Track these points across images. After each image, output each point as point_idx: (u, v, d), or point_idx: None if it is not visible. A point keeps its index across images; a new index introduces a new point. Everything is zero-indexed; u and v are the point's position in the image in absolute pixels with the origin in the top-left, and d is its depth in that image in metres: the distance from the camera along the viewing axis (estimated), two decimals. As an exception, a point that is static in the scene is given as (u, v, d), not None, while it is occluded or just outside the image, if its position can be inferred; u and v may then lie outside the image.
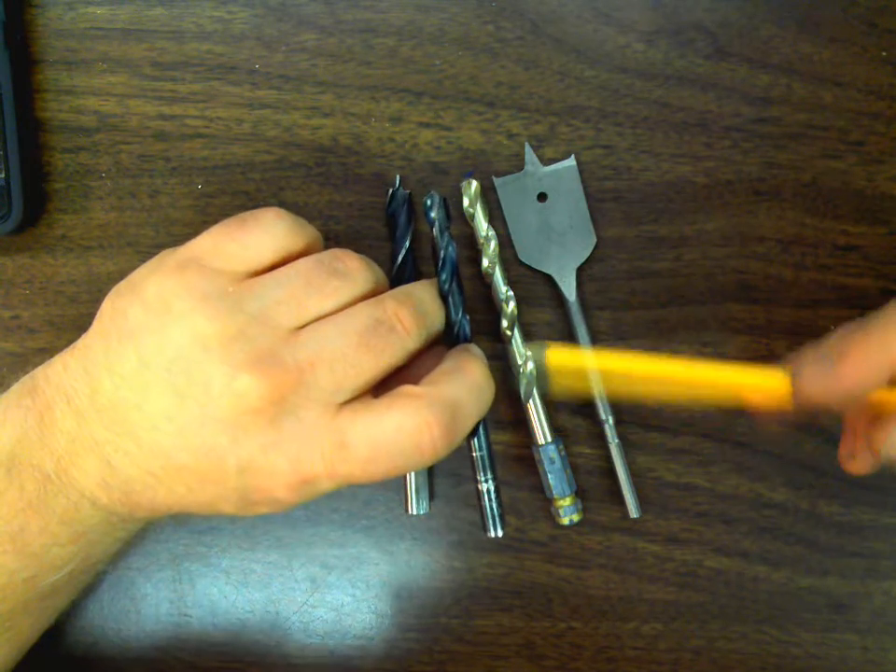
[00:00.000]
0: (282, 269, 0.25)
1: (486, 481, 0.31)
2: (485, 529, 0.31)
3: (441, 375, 0.26)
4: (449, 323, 0.29)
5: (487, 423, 0.31)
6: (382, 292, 0.27)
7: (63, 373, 0.25)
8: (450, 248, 0.29)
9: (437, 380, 0.25)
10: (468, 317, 0.29)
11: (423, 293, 0.27)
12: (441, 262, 0.29)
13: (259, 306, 0.24)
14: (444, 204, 0.30)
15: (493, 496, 0.31)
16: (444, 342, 0.29)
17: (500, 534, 0.31)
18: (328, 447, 0.23)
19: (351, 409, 0.24)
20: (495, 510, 0.31)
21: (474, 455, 0.31)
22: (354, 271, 0.26)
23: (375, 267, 0.27)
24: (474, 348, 0.28)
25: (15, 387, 0.26)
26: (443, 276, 0.29)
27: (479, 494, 0.31)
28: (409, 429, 0.23)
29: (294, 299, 0.24)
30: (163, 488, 0.24)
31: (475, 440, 0.31)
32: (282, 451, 0.23)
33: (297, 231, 0.26)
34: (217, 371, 0.23)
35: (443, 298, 0.29)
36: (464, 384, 0.25)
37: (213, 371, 0.23)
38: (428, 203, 0.29)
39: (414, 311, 0.25)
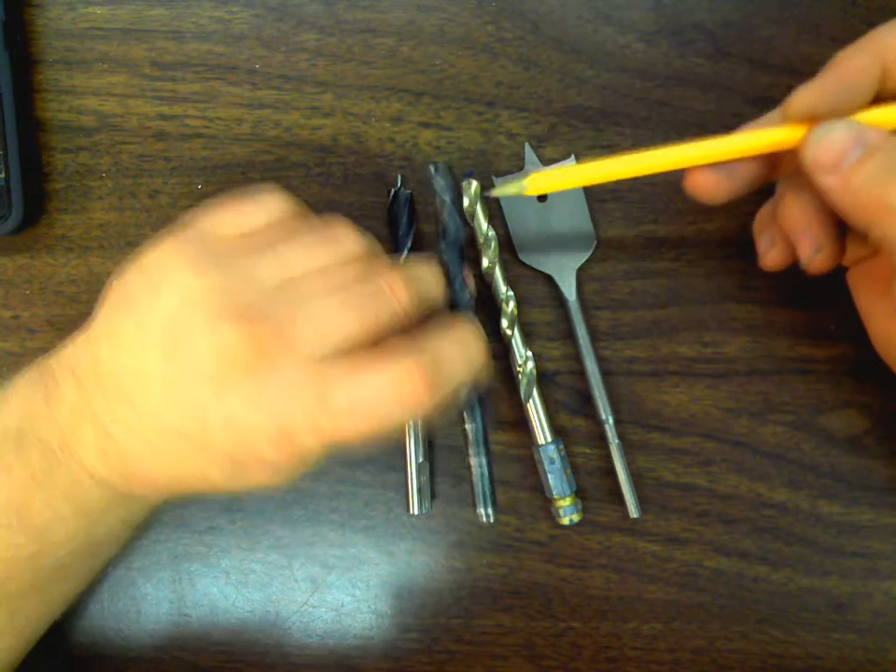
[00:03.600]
0: (273, 232, 0.26)
1: (480, 465, 0.30)
2: (475, 506, 0.31)
3: (426, 331, 0.26)
4: (451, 294, 0.28)
5: (486, 404, 0.31)
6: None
7: (71, 350, 0.26)
8: (452, 216, 0.29)
9: (420, 335, 0.25)
10: (468, 288, 0.29)
11: (419, 263, 0.27)
12: (441, 230, 0.29)
13: (244, 263, 0.24)
14: (449, 172, 0.29)
15: (485, 478, 0.30)
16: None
17: (490, 513, 0.30)
18: (308, 400, 0.23)
19: (333, 363, 0.24)
20: (486, 491, 0.30)
21: (470, 437, 0.30)
22: (342, 234, 0.26)
23: (371, 238, 0.27)
24: (469, 315, 0.28)
25: (27, 368, 0.27)
26: (442, 244, 0.29)
27: (471, 475, 0.31)
28: (389, 378, 0.23)
29: (279, 257, 0.25)
30: (157, 457, 0.25)
31: (472, 421, 0.30)
32: (262, 403, 0.23)
33: (292, 207, 0.27)
34: (200, 323, 0.23)
35: (444, 267, 0.28)
36: (448, 338, 0.25)
37: (196, 324, 0.23)
38: (432, 170, 0.29)
39: (405, 276, 0.25)
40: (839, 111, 0.24)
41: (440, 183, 0.29)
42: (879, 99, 0.24)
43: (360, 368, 0.23)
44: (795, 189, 0.27)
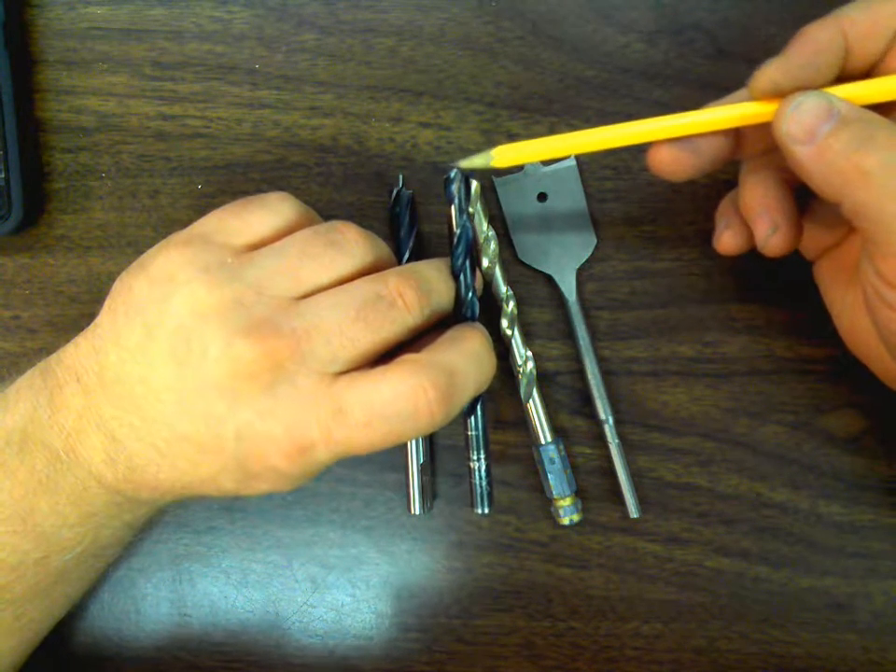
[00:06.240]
0: (280, 241, 0.26)
1: (478, 459, 0.31)
2: (473, 506, 0.31)
3: (440, 344, 0.26)
4: (458, 301, 0.28)
5: (485, 403, 0.31)
6: (386, 267, 0.27)
7: (74, 354, 0.26)
8: (467, 226, 0.29)
9: (435, 348, 0.25)
10: (478, 297, 0.29)
11: (430, 271, 0.27)
12: (456, 239, 0.29)
13: (256, 276, 0.24)
14: (466, 182, 0.29)
15: (483, 474, 0.31)
16: (453, 321, 0.29)
17: (487, 511, 0.31)
18: (323, 413, 0.23)
19: (348, 377, 0.24)
20: (484, 487, 0.31)
21: (469, 434, 0.31)
22: (351, 241, 0.26)
23: (378, 241, 0.27)
24: (477, 324, 0.28)
25: (29, 371, 0.27)
26: (457, 252, 0.28)
27: (470, 471, 0.31)
28: (405, 393, 0.23)
29: (290, 268, 0.25)
30: (166, 462, 0.24)
31: (472, 418, 0.31)
32: (277, 417, 0.23)
33: (301, 212, 0.27)
34: (214, 337, 0.23)
35: (455, 276, 0.28)
36: (462, 351, 0.25)
37: (210, 337, 0.23)
38: (451, 175, 0.29)
39: (418, 288, 0.25)
40: (804, 86, 0.24)
41: (456, 190, 0.29)
42: (842, 77, 0.24)
43: (375, 382, 0.24)
44: (756, 172, 0.27)
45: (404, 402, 0.23)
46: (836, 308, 0.28)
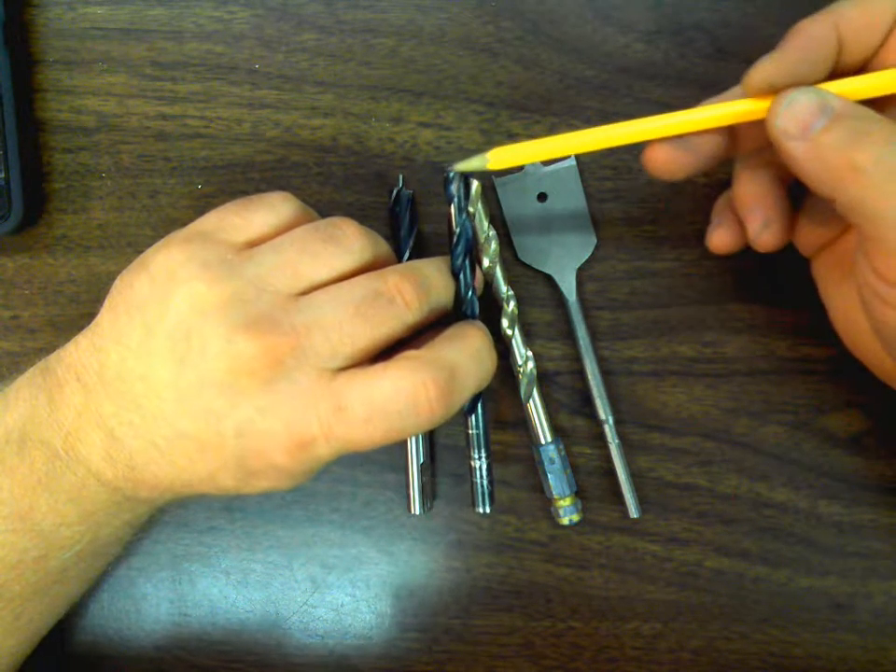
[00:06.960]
0: (280, 237, 0.26)
1: (479, 458, 0.31)
2: (474, 505, 0.31)
3: (441, 341, 0.26)
4: (458, 300, 0.28)
5: (486, 401, 0.31)
6: (386, 264, 0.27)
7: (74, 352, 0.26)
8: (466, 225, 0.29)
9: (435, 345, 0.25)
10: (478, 296, 0.29)
11: (430, 268, 0.27)
12: (456, 238, 0.29)
13: (255, 272, 0.24)
14: (465, 181, 0.29)
15: (484, 473, 0.31)
16: (453, 319, 0.29)
17: (488, 510, 0.31)
18: (324, 409, 0.23)
19: (348, 374, 0.24)
20: (485, 486, 0.31)
21: (470, 432, 0.31)
22: (350, 237, 0.26)
23: (377, 238, 0.27)
24: (478, 321, 0.28)
25: (30, 370, 0.27)
26: (457, 251, 0.28)
27: (471, 470, 0.31)
28: (406, 389, 0.23)
29: (289, 264, 0.25)
30: (165, 460, 0.24)
31: (472, 417, 0.31)
32: (277, 413, 0.23)
33: (301, 212, 0.27)
34: (214, 333, 0.23)
35: (455, 274, 0.28)
36: (462, 348, 0.25)
37: (210, 334, 0.23)
38: (450, 175, 0.29)
39: (417, 285, 0.25)
40: (798, 82, 0.24)
41: (455, 190, 0.29)
42: (835, 73, 0.24)
43: (376, 379, 0.24)
44: (751, 168, 0.27)
45: (405, 399, 0.23)
46: (833, 304, 0.28)
